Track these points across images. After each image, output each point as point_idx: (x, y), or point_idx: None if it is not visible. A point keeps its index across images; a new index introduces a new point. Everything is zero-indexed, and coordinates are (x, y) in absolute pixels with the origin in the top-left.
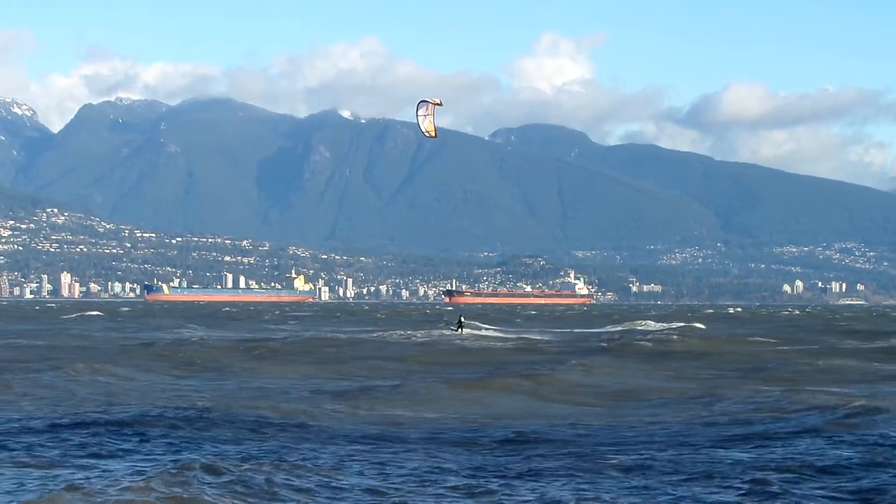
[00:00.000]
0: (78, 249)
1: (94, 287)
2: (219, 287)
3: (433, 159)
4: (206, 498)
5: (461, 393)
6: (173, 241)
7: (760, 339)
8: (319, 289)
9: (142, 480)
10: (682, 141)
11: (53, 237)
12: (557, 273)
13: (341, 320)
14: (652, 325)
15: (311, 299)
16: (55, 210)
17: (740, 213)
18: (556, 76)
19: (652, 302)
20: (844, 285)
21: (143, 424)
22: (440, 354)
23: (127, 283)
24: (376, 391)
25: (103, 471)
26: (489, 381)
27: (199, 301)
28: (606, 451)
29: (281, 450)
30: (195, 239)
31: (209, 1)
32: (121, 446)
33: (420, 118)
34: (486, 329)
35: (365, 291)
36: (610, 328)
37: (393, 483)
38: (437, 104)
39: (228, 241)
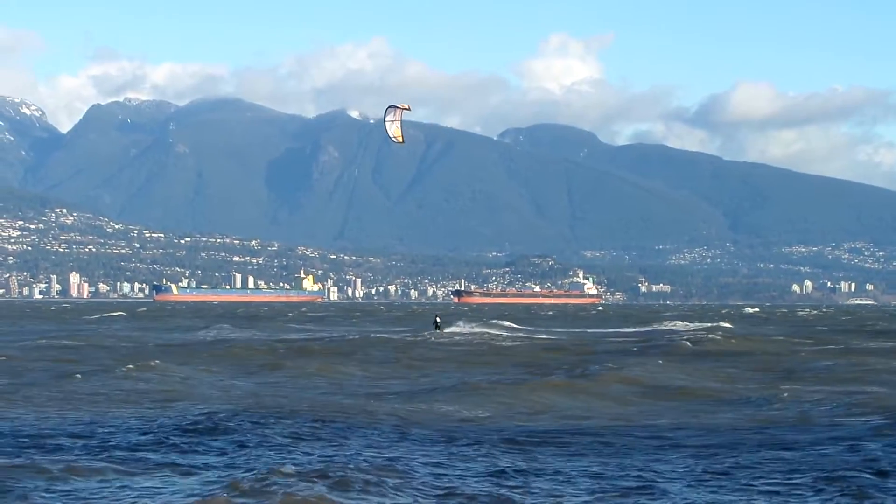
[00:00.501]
0: (87, 250)
1: (102, 287)
2: (228, 287)
3: (442, 159)
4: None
5: (534, 392)
6: (182, 242)
7: (795, 339)
8: (328, 289)
9: (299, 477)
10: (690, 141)
11: (62, 237)
12: (566, 273)
13: (362, 320)
14: (681, 325)
15: (319, 299)
16: (64, 210)
17: (749, 213)
18: (564, 76)
19: (661, 302)
20: (854, 285)
21: (258, 424)
22: (484, 354)
23: (136, 284)
24: (447, 391)
25: (248, 469)
26: (551, 380)
27: (208, 301)
28: (739, 454)
29: (416, 451)
30: (204, 239)
31: (217, 1)
32: (252, 443)
33: (388, 123)
34: (464, 326)
35: (374, 291)
36: (638, 328)
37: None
38: (406, 109)
39: (237, 242)
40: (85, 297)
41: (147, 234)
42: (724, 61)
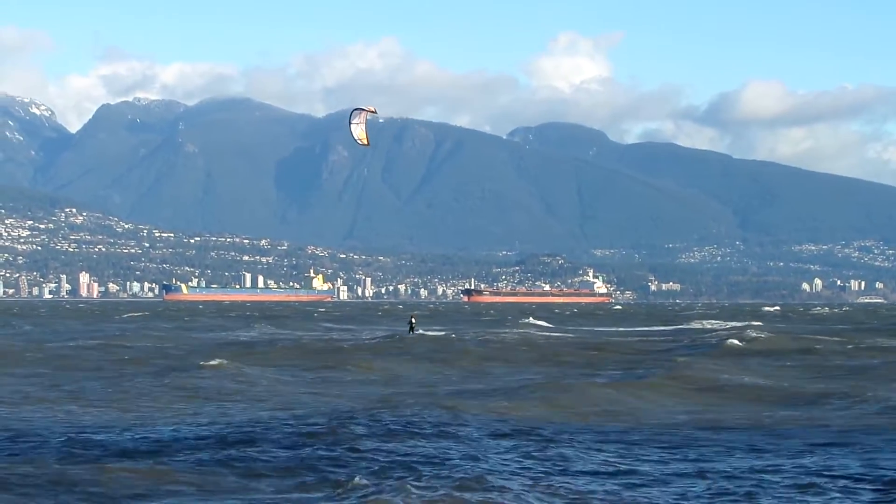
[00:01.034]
0: (96, 249)
1: (112, 287)
2: (237, 287)
3: (451, 159)
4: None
5: (627, 392)
6: (192, 241)
7: (835, 337)
8: (338, 288)
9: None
10: (700, 139)
11: (72, 237)
12: (576, 272)
13: (384, 318)
14: (714, 323)
15: (329, 299)
16: (74, 210)
17: (759, 212)
18: (573, 75)
19: (671, 301)
20: (863, 283)
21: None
22: (530, 352)
23: (145, 283)
24: (533, 390)
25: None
26: (631, 380)
27: (219, 301)
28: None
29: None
30: (213, 238)
31: (227, 1)
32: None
33: (353, 126)
34: (437, 330)
35: (384, 291)
36: (669, 327)
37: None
38: (372, 112)
39: (247, 241)
40: (95, 296)
41: (157, 234)
42: (733, 60)
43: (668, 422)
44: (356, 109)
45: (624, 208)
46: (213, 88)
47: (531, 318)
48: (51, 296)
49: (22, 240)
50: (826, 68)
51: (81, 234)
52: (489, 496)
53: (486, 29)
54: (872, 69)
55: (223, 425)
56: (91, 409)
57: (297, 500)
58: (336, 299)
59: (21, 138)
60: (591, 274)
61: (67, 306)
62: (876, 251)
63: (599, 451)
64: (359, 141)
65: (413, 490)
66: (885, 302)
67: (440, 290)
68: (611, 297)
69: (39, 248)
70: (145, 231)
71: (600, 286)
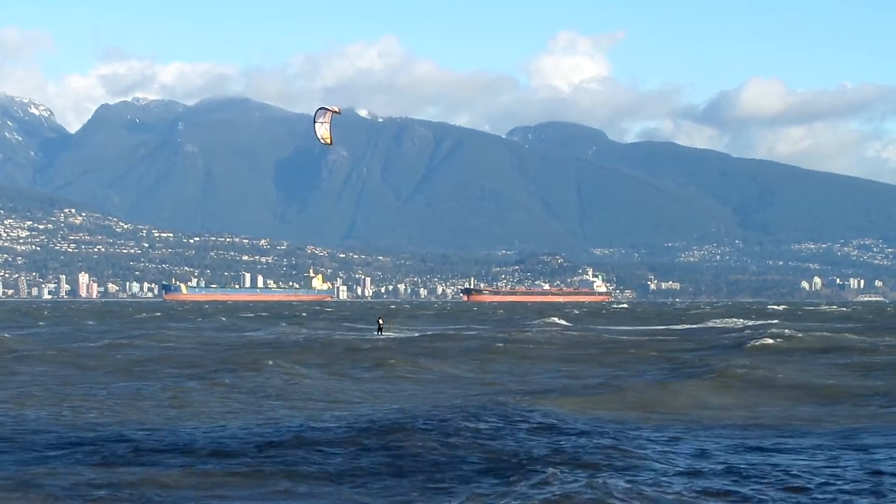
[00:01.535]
0: (96, 250)
1: (112, 287)
2: (237, 286)
3: (451, 158)
4: None
5: (692, 391)
6: (191, 241)
7: (864, 335)
8: (338, 288)
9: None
10: (699, 138)
11: (71, 237)
12: (575, 271)
13: (402, 317)
14: (730, 322)
15: (329, 298)
16: (73, 210)
17: (758, 210)
18: (573, 74)
19: (670, 299)
20: (863, 282)
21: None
22: (568, 350)
23: (145, 283)
24: (604, 389)
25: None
26: (689, 379)
27: (218, 301)
28: None
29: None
30: (213, 238)
31: (226, 1)
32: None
33: (317, 125)
34: (405, 330)
35: (383, 290)
36: (690, 326)
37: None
38: (336, 112)
39: (246, 241)
40: (94, 297)
41: (156, 234)
42: (732, 58)
43: (768, 421)
44: (320, 109)
45: (623, 207)
46: (213, 88)
47: (554, 318)
48: (50, 296)
49: (21, 240)
50: (825, 67)
51: (81, 234)
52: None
53: (486, 28)
54: (872, 68)
55: (352, 420)
56: (172, 412)
57: (509, 492)
58: (335, 299)
59: (20, 138)
60: (590, 273)
61: (72, 307)
62: (875, 249)
63: (756, 450)
64: (322, 140)
65: (644, 487)
66: (886, 300)
67: (440, 290)
68: (610, 296)
69: (39, 248)
70: (145, 231)
71: (600, 285)
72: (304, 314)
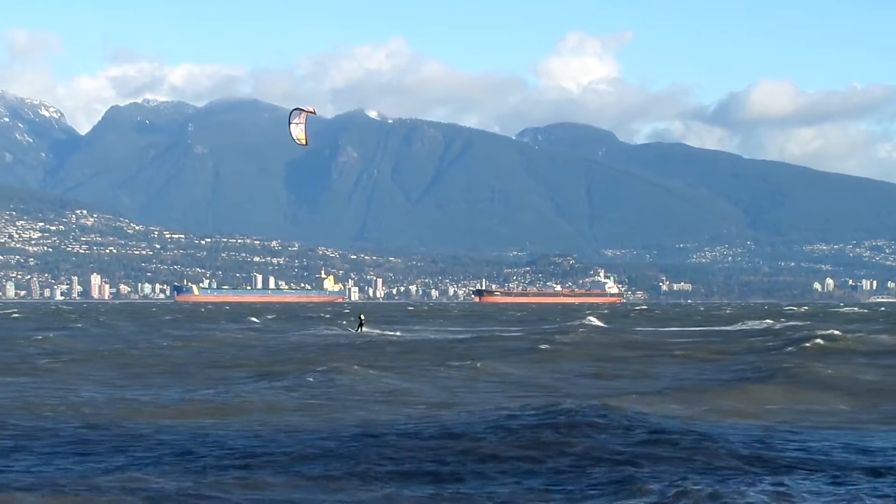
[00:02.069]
0: (107, 251)
1: (123, 288)
2: (248, 288)
3: (461, 159)
4: None
5: (778, 394)
6: (202, 243)
7: None
8: (349, 289)
9: None
10: (709, 139)
11: (83, 239)
12: (587, 272)
13: (433, 318)
14: (765, 323)
15: (340, 300)
16: (84, 212)
17: (769, 211)
18: (582, 75)
19: (682, 301)
20: (875, 283)
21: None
22: (635, 351)
23: (157, 285)
24: (692, 391)
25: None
26: (769, 382)
27: (230, 302)
28: None
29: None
30: (224, 240)
31: (235, 2)
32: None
33: (292, 126)
34: (441, 332)
35: (395, 291)
36: (723, 328)
37: None
38: (311, 112)
39: (257, 242)
40: (106, 298)
41: (167, 235)
42: (742, 59)
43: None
44: (295, 109)
45: (634, 208)
46: (222, 90)
47: (590, 318)
48: (62, 297)
49: (33, 242)
50: (836, 68)
51: (92, 235)
52: None
53: (495, 29)
54: (882, 69)
55: (492, 418)
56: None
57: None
58: (347, 300)
59: (31, 140)
60: (602, 274)
61: (93, 308)
62: (887, 250)
63: None
64: (297, 141)
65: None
66: None
67: (451, 291)
68: (622, 297)
69: (50, 249)
70: (156, 232)
71: (612, 286)
72: (325, 314)
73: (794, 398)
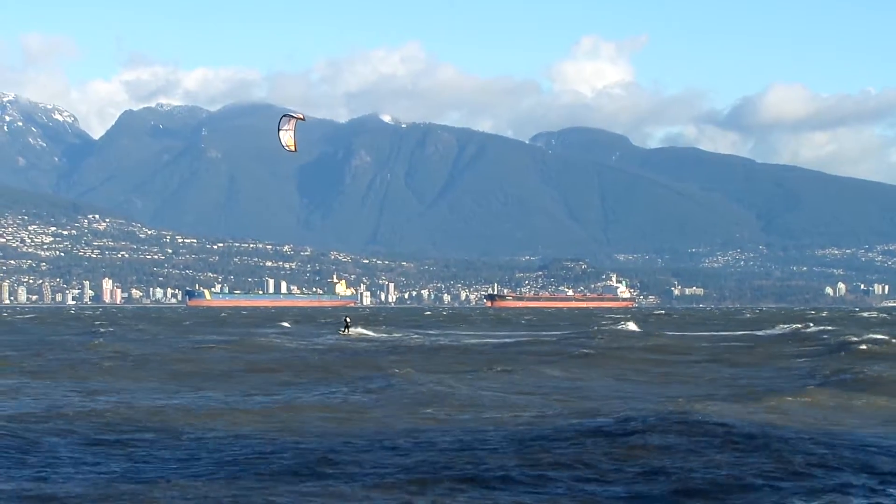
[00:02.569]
0: (119, 255)
1: (135, 293)
2: (260, 292)
3: (474, 163)
4: None
5: (852, 399)
6: (215, 247)
7: None
8: (361, 293)
9: None
10: (723, 143)
11: (95, 243)
12: (599, 276)
13: (454, 322)
14: (805, 327)
15: (352, 304)
16: (97, 216)
17: (782, 216)
18: (596, 79)
19: (694, 305)
20: (887, 287)
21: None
22: (679, 355)
23: (168, 289)
24: (773, 394)
25: None
26: (839, 386)
27: (242, 307)
28: None
29: None
30: (236, 244)
31: (249, 6)
32: None
33: (282, 132)
34: (369, 331)
35: (407, 296)
36: (748, 332)
37: None
38: (300, 119)
39: (270, 247)
40: (118, 302)
41: (179, 240)
42: (756, 64)
43: None
44: (285, 116)
45: (647, 213)
46: (236, 94)
47: (628, 323)
48: (74, 302)
49: (45, 246)
50: (849, 72)
51: (104, 240)
52: None
53: (509, 33)
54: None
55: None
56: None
57: None
58: (359, 305)
59: (44, 144)
60: (614, 279)
61: (108, 312)
62: None
63: None
64: (286, 147)
65: None
66: None
67: (463, 295)
68: (634, 301)
69: (63, 254)
70: (168, 237)
71: (624, 291)
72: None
73: (875, 404)
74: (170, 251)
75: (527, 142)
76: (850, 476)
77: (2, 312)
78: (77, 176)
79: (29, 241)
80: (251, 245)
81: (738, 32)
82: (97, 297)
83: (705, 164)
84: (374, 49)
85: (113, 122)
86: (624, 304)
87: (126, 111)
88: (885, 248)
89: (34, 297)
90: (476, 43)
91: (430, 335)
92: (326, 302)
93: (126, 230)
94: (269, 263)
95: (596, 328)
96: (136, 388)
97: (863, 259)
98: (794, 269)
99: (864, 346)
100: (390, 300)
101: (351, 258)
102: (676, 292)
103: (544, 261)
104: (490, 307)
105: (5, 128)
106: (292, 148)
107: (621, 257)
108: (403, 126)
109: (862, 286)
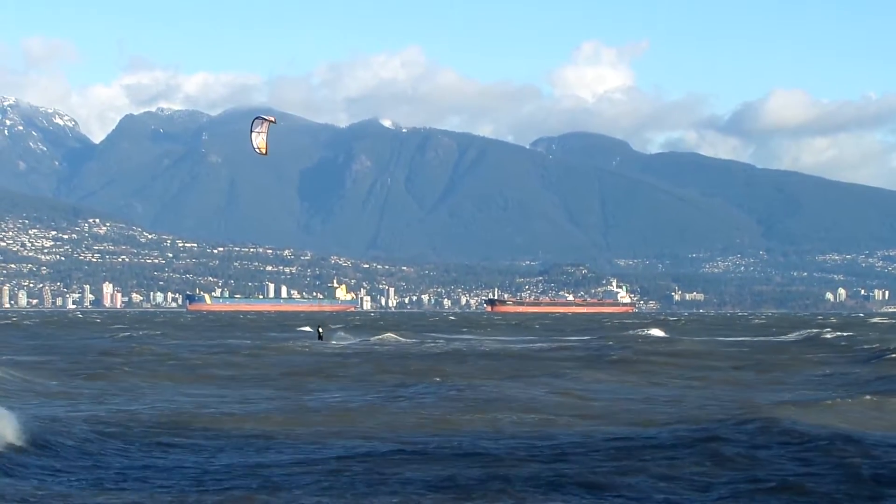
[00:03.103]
0: (120, 260)
1: (136, 297)
2: (261, 297)
3: (474, 168)
4: None
5: None
6: (215, 251)
7: None
8: (361, 298)
9: None
10: (723, 149)
11: (95, 247)
12: (599, 282)
13: (475, 327)
14: (824, 332)
15: (352, 309)
16: (97, 220)
17: (782, 221)
18: (597, 84)
19: (694, 310)
20: (887, 293)
21: None
22: (715, 360)
23: (169, 293)
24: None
25: None
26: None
27: (242, 311)
28: None
29: None
30: (237, 249)
31: (250, 11)
32: None
33: (254, 135)
34: (346, 338)
35: (407, 301)
36: (782, 337)
37: None
38: (272, 122)
39: (270, 251)
40: (118, 307)
41: (180, 244)
42: (757, 69)
43: None
44: (257, 118)
45: (647, 218)
46: (237, 98)
47: (654, 329)
48: (74, 306)
49: (45, 250)
50: (850, 77)
51: (105, 244)
52: None
53: (510, 38)
54: None
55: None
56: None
57: None
58: (359, 309)
59: (44, 148)
60: (614, 284)
61: (127, 315)
62: None
63: None
64: (258, 150)
65: None
66: None
67: (463, 300)
68: (634, 307)
69: (63, 258)
70: (168, 241)
71: (624, 296)
72: (357, 321)
73: None
74: (170, 255)
75: (527, 147)
76: None
77: (8, 316)
78: (77, 180)
79: (29, 245)
80: (251, 249)
81: (739, 38)
82: (97, 301)
83: (706, 169)
84: (374, 54)
85: (113, 127)
86: (624, 309)
87: (126, 115)
88: (886, 253)
89: (34, 302)
90: (477, 48)
91: (453, 340)
92: (327, 306)
93: (126, 234)
94: (269, 268)
95: (625, 333)
96: (215, 392)
97: (863, 265)
98: (795, 274)
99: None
100: (391, 305)
101: (351, 263)
102: (677, 298)
103: (545, 266)
104: (490, 312)
105: (6, 132)
106: (263, 151)
107: (622, 262)
108: (404, 131)
109: (862, 292)
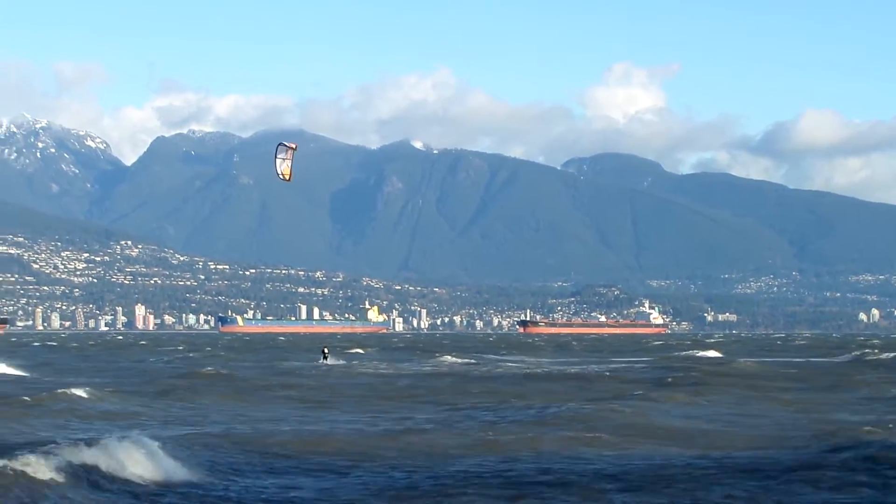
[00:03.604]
0: (152, 282)
1: (168, 319)
2: (293, 318)
3: (506, 189)
4: None
5: None
6: (247, 273)
7: None
8: (393, 320)
9: None
10: (755, 169)
11: (128, 269)
12: (632, 303)
13: (513, 349)
14: (881, 353)
15: (385, 330)
16: (129, 242)
17: (815, 242)
18: (628, 105)
19: (727, 331)
20: None
21: None
22: (799, 381)
23: (201, 315)
24: None
25: None
26: None
27: (274, 333)
28: None
29: None
30: (269, 270)
31: (281, 33)
32: None
33: (278, 161)
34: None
35: (439, 322)
36: (834, 358)
37: None
38: (293, 148)
39: (302, 273)
40: (151, 328)
41: (212, 266)
42: (788, 89)
43: None
44: (281, 144)
45: (679, 239)
46: (268, 120)
47: (710, 350)
48: (107, 328)
49: (78, 272)
50: (882, 97)
51: (137, 266)
52: None
53: (541, 59)
54: None
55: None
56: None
57: None
58: (391, 331)
59: (77, 171)
60: (646, 305)
61: (162, 337)
62: None
63: None
64: (282, 176)
65: None
66: None
67: (495, 322)
68: (667, 328)
69: (95, 280)
70: (200, 263)
71: (656, 317)
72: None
73: None
74: (202, 277)
75: (559, 168)
76: None
77: (50, 337)
78: (109, 202)
79: (62, 267)
80: (283, 271)
81: (771, 58)
82: (130, 322)
83: (738, 189)
84: (405, 75)
85: (145, 149)
86: (657, 330)
87: (158, 137)
88: None
89: (67, 324)
90: (507, 69)
91: (502, 361)
92: (359, 328)
93: (158, 256)
94: (301, 289)
95: (679, 354)
96: (303, 413)
97: None
98: (828, 295)
99: None
100: (422, 326)
101: (383, 284)
102: (709, 318)
103: (577, 287)
104: (522, 333)
105: (38, 154)
106: (287, 177)
107: (654, 283)
108: (435, 152)
109: (895, 312)
